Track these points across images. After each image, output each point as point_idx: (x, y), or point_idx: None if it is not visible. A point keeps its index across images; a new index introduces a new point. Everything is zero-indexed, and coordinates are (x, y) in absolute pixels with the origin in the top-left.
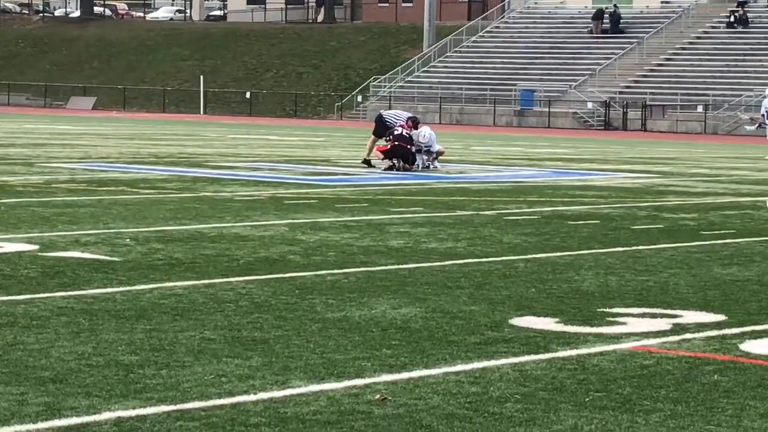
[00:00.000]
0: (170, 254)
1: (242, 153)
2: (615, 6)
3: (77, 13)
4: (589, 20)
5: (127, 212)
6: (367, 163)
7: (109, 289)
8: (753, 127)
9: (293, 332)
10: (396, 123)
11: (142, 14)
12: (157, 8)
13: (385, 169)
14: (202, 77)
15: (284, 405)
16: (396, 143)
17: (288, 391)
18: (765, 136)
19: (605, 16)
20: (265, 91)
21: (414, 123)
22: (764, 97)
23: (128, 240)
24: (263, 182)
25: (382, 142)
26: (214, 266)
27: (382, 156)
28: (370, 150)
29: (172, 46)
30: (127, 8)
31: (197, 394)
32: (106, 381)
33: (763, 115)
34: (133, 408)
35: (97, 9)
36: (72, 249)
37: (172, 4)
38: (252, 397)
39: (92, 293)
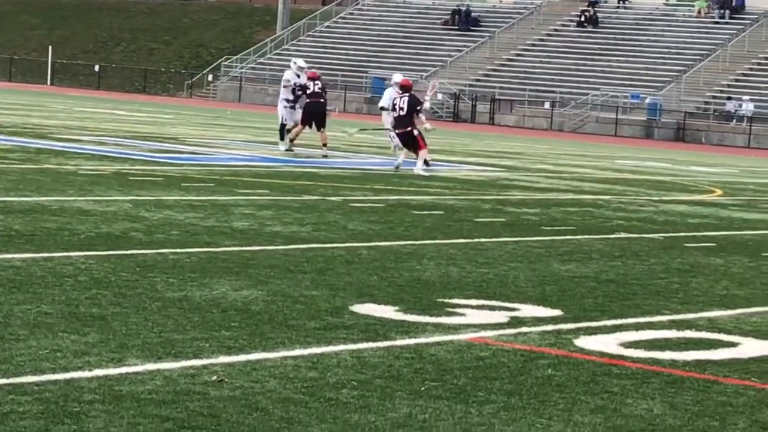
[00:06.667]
0: (9, 225)
1: (88, 127)
2: (468, 6)
3: None
4: (443, 12)
5: None
6: None
7: None
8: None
9: (132, 310)
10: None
11: None
12: None
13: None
14: (50, 47)
15: (119, 383)
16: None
17: (124, 369)
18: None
19: (462, 12)
20: (114, 65)
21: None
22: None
23: None
24: (108, 157)
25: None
26: (54, 240)
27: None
28: None
29: (21, 14)
30: None
31: (31, 369)
32: None
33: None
34: None
35: None
36: None
37: None
38: (87, 374)
39: None
